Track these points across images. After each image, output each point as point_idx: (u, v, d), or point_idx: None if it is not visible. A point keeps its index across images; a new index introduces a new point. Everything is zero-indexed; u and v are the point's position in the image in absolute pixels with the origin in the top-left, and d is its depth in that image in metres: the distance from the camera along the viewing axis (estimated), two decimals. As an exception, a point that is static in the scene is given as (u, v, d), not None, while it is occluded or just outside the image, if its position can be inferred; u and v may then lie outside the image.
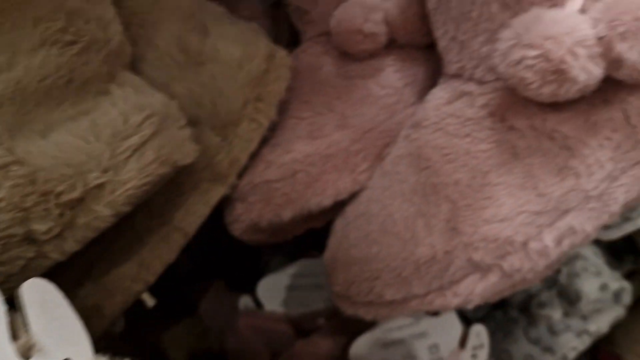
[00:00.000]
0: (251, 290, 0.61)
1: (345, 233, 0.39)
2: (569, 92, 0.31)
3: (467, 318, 0.77)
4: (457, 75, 0.38)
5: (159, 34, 0.37)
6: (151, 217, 0.37)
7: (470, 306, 0.35)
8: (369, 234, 0.37)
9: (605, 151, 0.33)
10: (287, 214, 0.40)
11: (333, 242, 0.41)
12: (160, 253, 0.38)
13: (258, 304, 0.61)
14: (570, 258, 0.72)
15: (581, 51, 0.30)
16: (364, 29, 0.42)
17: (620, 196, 0.33)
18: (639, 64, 0.30)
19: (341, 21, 0.42)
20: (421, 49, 0.44)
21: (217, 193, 0.39)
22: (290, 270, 0.61)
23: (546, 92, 0.31)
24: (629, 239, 0.84)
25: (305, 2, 0.45)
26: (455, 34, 0.37)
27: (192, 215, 0.38)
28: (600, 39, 0.30)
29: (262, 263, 0.73)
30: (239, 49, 0.39)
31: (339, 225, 0.41)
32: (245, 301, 0.61)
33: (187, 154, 0.32)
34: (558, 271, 0.71)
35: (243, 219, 0.41)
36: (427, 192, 0.36)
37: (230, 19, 0.41)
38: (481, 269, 0.34)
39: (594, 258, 0.76)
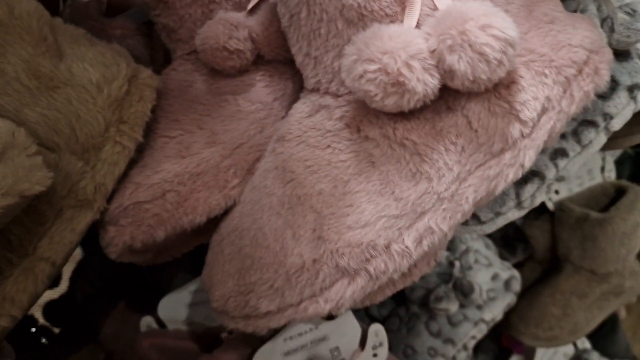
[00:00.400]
0: (155, 310, 0.60)
1: (220, 249, 0.40)
2: (410, 102, 0.33)
3: (372, 317, 0.80)
4: (315, 90, 0.39)
5: (5, 59, 0.35)
6: (11, 249, 0.35)
7: (342, 310, 0.37)
8: (242, 249, 0.38)
9: (451, 155, 0.35)
10: (160, 234, 0.40)
11: (209, 258, 0.41)
12: (25, 286, 0.36)
13: (161, 324, 0.60)
14: (463, 252, 0.76)
15: (416, 64, 0.32)
16: (229, 45, 0.42)
17: (470, 196, 0.35)
18: (468, 74, 0.32)
19: (206, 39, 0.42)
20: (288, 63, 0.45)
21: (84, 219, 0.38)
22: (192, 286, 0.60)
23: (390, 103, 0.33)
24: (519, 230, 0.90)
25: (171, 20, 0.45)
26: (308, 50, 0.38)
27: (58, 244, 0.37)
28: (432, 52, 0.32)
29: (164, 281, 0.72)
30: (98, 71, 0.38)
31: (214, 241, 0.41)
32: (147, 322, 0.60)
33: (38, 182, 0.31)
34: (452, 265, 0.75)
35: (116, 242, 0.40)
36: (293, 204, 0.37)
37: (90, 41, 0.40)
38: (349, 273, 0.35)
39: (485, 250, 0.80)
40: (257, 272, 0.36)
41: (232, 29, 0.42)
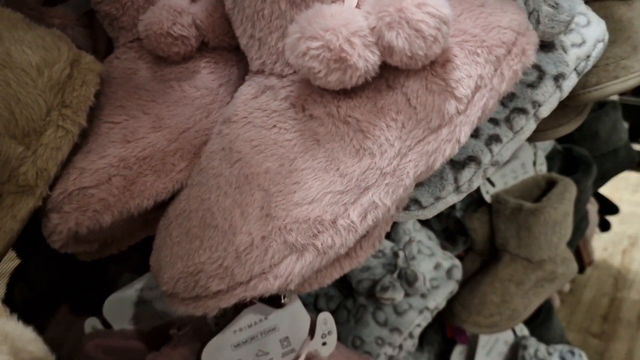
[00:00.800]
0: (101, 312, 0.58)
1: (168, 232, 0.40)
2: (352, 78, 0.35)
3: (321, 311, 0.81)
4: (260, 71, 0.40)
5: (-62, 39, 0.34)
6: (-52, 237, 0.34)
7: (291, 287, 0.37)
8: (190, 230, 0.38)
9: (392, 131, 0.37)
10: (106, 220, 0.39)
11: (157, 242, 0.41)
12: (-37, 275, 0.35)
13: (107, 324, 0.58)
14: (406, 243, 0.78)
15: (357, 40, 0.33)
16: (173, 31, 0.42)
17: (411, 170, 0.37)
18: (406, 49, 0.34)
19: (149, 24, 0.42)
20: (233, 50, 0.45)
21: (25, 206, 0.37)
22: (138, 284, 0.59)
23: (333, 79, 0.35)
24: (459, 222, 0.93)
25: (113, 8, 0.45)
26: (252, 32, 0.39)
27: (-3, 231, 0.36)
28: (372, 29, 0.34)
29: (109, 282, 0.70)
30: (37, 54, 0.37)
31: (162, 225, 0.41)
32: (91, 323, 0.58)
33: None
34: (396, 256, 0.77)
35: (60, 230, 0.39)
36: (241, 183, 0.37)
37: (29, 25, 0.39)
38: (297, 249, 0.36)
39: (428, 241, 0.83)
40: (206, 251, 0.37)
41: (176, 15, 0.43)
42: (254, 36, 0.39)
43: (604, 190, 1.64)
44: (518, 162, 0.95)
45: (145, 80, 0.44)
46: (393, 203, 0.37)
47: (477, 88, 0.37)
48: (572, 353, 0.99)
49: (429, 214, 0.54)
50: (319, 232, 0.36)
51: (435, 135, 0.37)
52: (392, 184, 0.37)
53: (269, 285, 0.36)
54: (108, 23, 0.46)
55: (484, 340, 0.96)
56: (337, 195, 0.36)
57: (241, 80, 0.44)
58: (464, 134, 0.37)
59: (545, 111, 0.56)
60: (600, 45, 0.58)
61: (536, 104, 0.55)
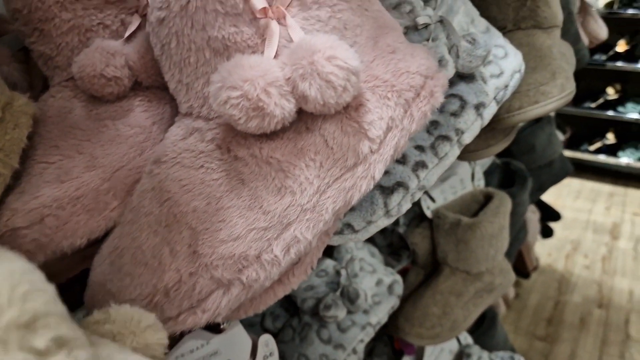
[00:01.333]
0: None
1: (101, 269, 0.41)
2: (271, 124, 0.37)
3: (268, 330, 0.82)
4: (188, 114, 0.42)
5: None
6: None
7: (219, 319, 0.39)
8: (122, 267, 0.40)
9: (311, 170, 0.39)
10: (39, 260, 0.40)
11: (92, 279, 0.42)
12: None
13: None
14: (348, 261, 0.81)
15: (273, 90, 0.36)
16: (106, 73, 0.44)
17: (329, 206, 0.40)
18: (318, 98, 0.36)
19: (83, 66, 0.44)
20: (166, 89, 0.47)
21: (-43, 247, 0.38)
22: (79, 314, 0.60)
23: (253, 125, 0.37)
24: (402, 238, 0.97)
25: (48, 48, 0.46)
26: (180, 77, 0.41)
27: None
28: (287, 79, 0.37)
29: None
30: (-31, 100, 0.38)
31: (96, 262, 0.42)
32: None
33: None
34: (339, 274, 0.79)
35: None
36: (170, 222, 0.39)
37: (-40, 70, 0.41)
38: (223, 284, 0.38)
39: (370, 258, 0.86)
40: (136, 288, 0.38)
41: (109, 57, 0.44)
42: (182, 81, 0.41)
43: (548, 197, 1.71)
44: (457, 178, 0.99)
45: (80, 119, 0.45)
46: (314, 236, 0.40)
47: (389, 129, 0.40)
48: (512, 359, 1.03)
49: (361, 237, 0.57)
50: (244, 267, 0.38)
51: (351, 173, 0.39)
52: (313, 219, 0.39)
53: (197, 319, 0.38)
54: (43, 62, 0.47)
55: (429, 351, 0.99)
56: (260, 231, 0.38)
57: (174, 118, 0.46)
58: (378, 171, 0.40)
59: (468, 138, 0.59)
60: (517, 76, 0.62)
61: (459, 131, 0.59)
